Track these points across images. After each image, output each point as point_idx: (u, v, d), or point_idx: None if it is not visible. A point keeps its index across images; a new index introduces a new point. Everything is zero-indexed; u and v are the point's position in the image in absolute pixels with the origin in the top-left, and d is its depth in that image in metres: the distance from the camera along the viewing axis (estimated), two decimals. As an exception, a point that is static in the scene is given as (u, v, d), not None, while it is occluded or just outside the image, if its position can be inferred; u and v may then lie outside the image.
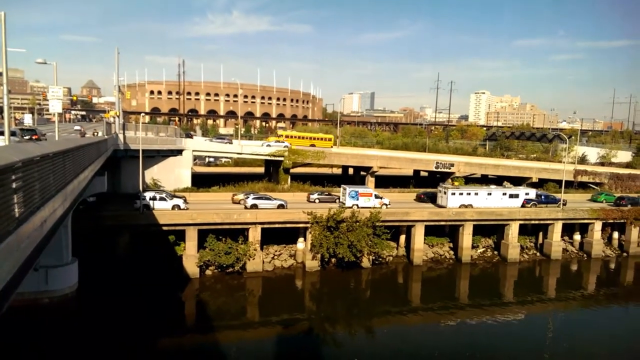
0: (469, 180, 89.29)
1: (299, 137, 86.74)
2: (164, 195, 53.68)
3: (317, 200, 62.41)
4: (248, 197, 56.95)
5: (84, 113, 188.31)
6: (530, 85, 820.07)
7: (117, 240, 48.79)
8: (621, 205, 69.14)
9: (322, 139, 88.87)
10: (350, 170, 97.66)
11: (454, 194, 62.23)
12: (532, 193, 66.34)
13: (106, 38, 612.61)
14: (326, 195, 63.80)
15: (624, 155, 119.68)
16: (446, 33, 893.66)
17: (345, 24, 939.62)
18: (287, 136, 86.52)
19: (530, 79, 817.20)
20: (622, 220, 67.07)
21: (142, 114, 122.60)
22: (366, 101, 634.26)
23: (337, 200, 61.69)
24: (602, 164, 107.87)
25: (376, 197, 60.11)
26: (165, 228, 49.93)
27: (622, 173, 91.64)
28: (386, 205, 59.97)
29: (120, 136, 58.40)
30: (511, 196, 64.64)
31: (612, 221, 67.01)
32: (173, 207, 52.39)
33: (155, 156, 65.12)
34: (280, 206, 56.00)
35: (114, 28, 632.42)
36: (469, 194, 63.01)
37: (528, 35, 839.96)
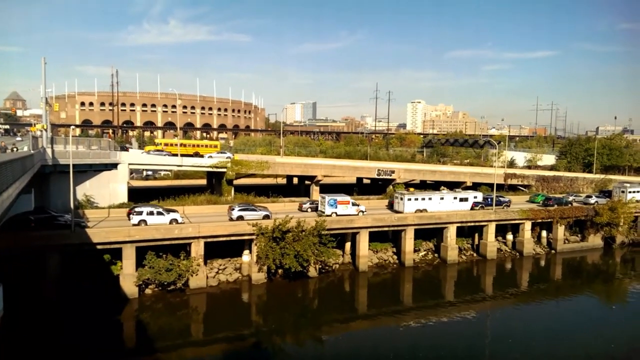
0: (409, 186, 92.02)
1: (182, 145, 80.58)
2: (160, 209, 52.87)
3: (309, 210, 64.10)
4: (234, 209, 56.63)
5: (7, 127, 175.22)
6: (462, 94, 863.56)
7: (47, 261, 45.51)
8: (548, 205, 74.02)
9: (207, 146, 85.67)
10: (295, 180, 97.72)
11: (409, 199, 64.32)
12: (480, 196, 70.12)
13: (32, 47, 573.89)
14: (317, 204, 64.75)
15: (548, 159, 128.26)
16: (383, 44, 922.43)
17: (285, 34, 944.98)
18: (166, 144, 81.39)
19: (462, 88, 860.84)
20: (549, 220, 71.77)
21: (72, 127, 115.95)
22: (308, 111, 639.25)
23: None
24: (529, 167, 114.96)
25: (353, 204, 61.53)
26: (100, 247, 47.23)
27: (547, 175, 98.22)
28: (362, 212, 61.43)
29: (49, 151, 54.81)
30: (461, 200, 67.72)
31: (540, 220, 71.51)
32: (171, 222, 51.75)
33: (87, 171, 61.68)
34: (266, 217, 56.16)
35: (40, 36, 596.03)
36: (424, 199, 65.32)
37: (460, 47, 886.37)
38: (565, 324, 47.97)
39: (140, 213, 51.51)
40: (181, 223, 52.40)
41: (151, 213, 51.77)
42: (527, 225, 69.91)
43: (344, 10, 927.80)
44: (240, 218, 55.45)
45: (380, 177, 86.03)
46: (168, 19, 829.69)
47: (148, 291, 49.22)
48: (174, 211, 55.37)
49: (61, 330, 40.05)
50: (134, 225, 50.44)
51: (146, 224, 50.67)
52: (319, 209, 62.53)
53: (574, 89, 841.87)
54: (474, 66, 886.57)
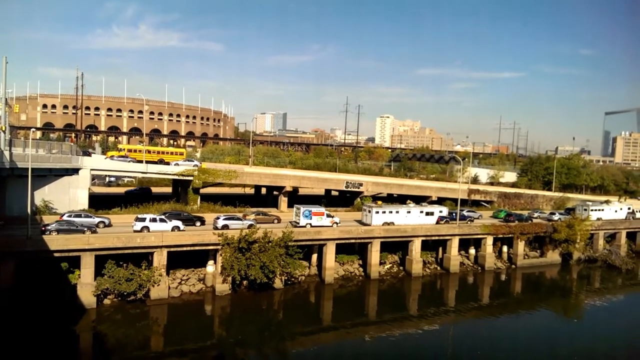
0: (376, 199, 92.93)
1: (147, 152, 78.21)
2: (163, 216, 54.10)
3: None
4: (219, 218, 56.98)
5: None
6: (429, 110, 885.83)
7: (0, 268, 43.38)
8: (509, 221, 76.20)
9: (172, 153, 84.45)
10: (263, 190, 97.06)
11: (377, 212, 64.86)
12: (445, 211, 71.32)
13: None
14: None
15: (510, 176, 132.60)
16: (355, 59, 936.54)
17: (257, 44, 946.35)
18: (130, 150, 79.54)
19: (430, 105, 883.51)
20: (510, 235, 73.80)
21: (33, 130, 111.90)
22: (279, 121, 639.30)
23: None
24: (491, 184, 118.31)
25: (328, 216, 61.73)
26: (57, 255, 45.42)
27: (508, 192, 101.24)
28: (337, 223, 61.63)
29: (6, 153, 52.62)
30: (427, 214, 68.74)
31: (501, 236, 73.43)
32: (173, 229, 52.47)
33: (47, 175, 59.50)
34: (250, 226, 55.88)
35: (1, 35, 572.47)
36: (391, 212, 65.95)
37: (430, 65, 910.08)
38: (526, 337, 49.16)
39: (143, 220, 51.78)
40: (182, 230, 52.86)
41: (154, 220, 52.15)
42: (489, 240, 71.66)
43: (315, 24, 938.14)
44: (225, 227, 55.33)
45: (349, 189, 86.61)
46: (138, 23, 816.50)
47: (107, 301, 47.56)
48: (200, 219, 58.30)
49: (12, 341, 38.08)
50: (136, 231, 50.43)
51: (149, 231, 50.73)
52: (293, 219, 62.20)
53: (536, 109, 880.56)
54: (442, 84, 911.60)
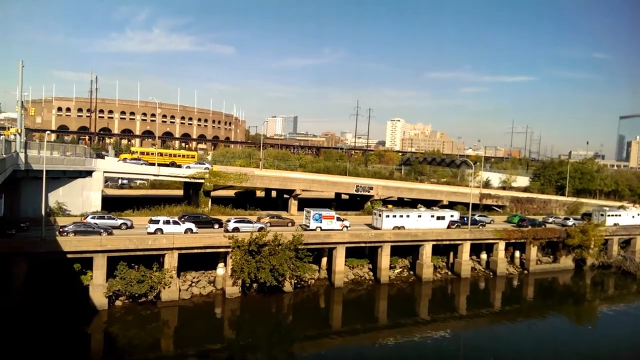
0: (387, 202, 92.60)
1: (159, 155, 78.85)
2: (176, 219, 54.59)
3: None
4: (229, 221, 57.28)
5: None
6: (440, 114, 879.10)
7: (12, 270, 43.98)
8: (522, 226, 75.37)
9: (184, 156, 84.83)
10: (273, 193, 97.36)
11: (388, 216, 64.76)
12: (456, 215, 70.92)
13: (8, 49, 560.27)
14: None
15: (523, 180, 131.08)
16: (366, 63, 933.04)
17: (270, 47, 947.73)
18: (142, 153, 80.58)
19: (440, 109, 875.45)
20: (523, 240, 72.97)
21: (48, 132, 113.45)
22: (289, 124, 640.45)
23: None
24: (503, 188, 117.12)
25: (338, 219, 61.73)
26: (70, 256, 45.97)
27: (521, 196, 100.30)
28: (347, 227, 61.68)
29: (22, 155, 53.46)
30: (438, 218, 68.41)
31: (514, 241, 72.66)
32: (186, 231, 52.88)
33: (61, 177, 60.32)
34: (261, 229, 55.95)
35: (17, 38, 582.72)
36: (402, 216, 65.79)
37: (440, 69, 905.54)
38: (539, 344, 48.32)
39: (157, 222, 52.45)
40: (195, 233, 53.22)
41: (167, 222, 52.81)
42: (501, 245, 70.93)
43: (329, 27, 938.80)
44: (236, 230, 55.70)
45: (359, 193, 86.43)
46: (152, 27, 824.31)
47: (118, 303, 47.94)
48: (218, 221, 58.39)
49: (24, 341, 38.57)
50: (150, 233, 50.90)
51: (162, 233, 51.25)
52: (303, 222, 62.24)
53: (548, 113, 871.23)
54: (453, 87, 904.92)
